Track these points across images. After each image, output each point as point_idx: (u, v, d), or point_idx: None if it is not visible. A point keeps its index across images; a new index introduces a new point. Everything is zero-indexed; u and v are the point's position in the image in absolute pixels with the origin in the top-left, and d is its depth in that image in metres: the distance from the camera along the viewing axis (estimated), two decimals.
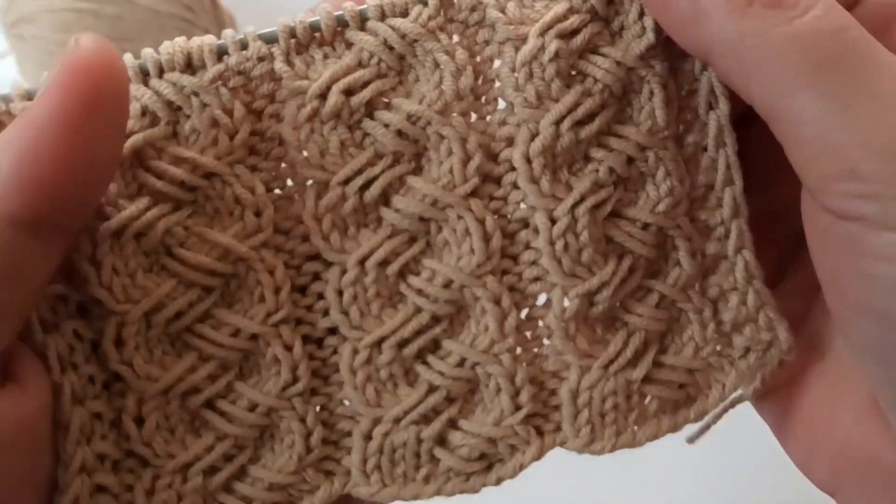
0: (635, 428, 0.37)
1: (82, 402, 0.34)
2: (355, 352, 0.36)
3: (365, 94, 0.34)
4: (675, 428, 0.38)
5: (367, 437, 0.36)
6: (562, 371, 0.37)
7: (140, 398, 0.35)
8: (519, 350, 0.37)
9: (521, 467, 0.36)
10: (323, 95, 0.34)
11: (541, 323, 0.37)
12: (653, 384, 0.37)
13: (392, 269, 0.35)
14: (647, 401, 0.37)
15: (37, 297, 0.32)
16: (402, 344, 0.36)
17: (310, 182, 0.35)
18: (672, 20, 0.33)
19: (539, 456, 0.37)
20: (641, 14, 0.35)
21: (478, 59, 0.35)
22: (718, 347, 0.38)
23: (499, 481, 0.37)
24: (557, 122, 0.34)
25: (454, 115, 0.34)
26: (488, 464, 0.37)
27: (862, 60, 0.30)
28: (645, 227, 0.36)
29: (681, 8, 0.32)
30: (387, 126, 0.34)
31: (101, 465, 0.34)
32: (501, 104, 0.36)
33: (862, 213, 0.30)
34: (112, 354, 0.34)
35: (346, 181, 0.34)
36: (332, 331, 0.36)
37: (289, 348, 0.35)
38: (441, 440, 0.37)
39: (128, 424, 0.34)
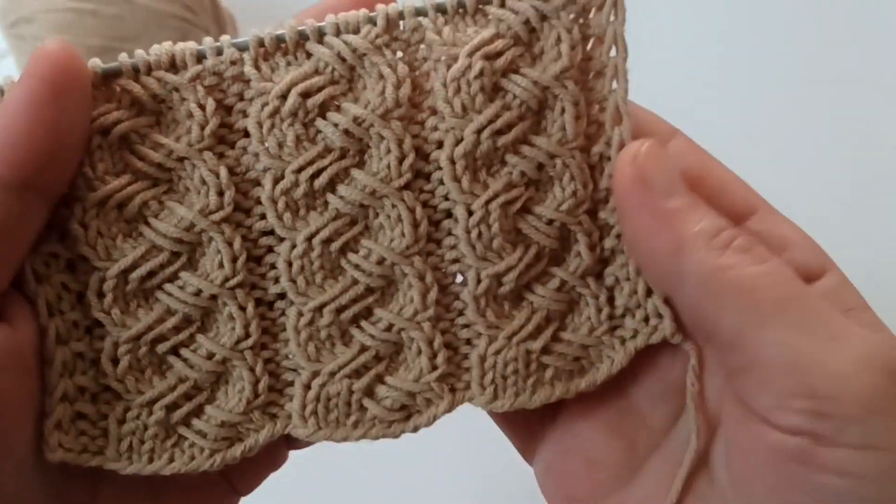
0: (532, 391, 0.43)
1: (66, 342, 0.40)
2: (300, 314, 0.42)
3: (319, 97, 0.40)
4: (567, 393, 0.43)
5: (307, 386, 0.42)
6: (473, 339, 0.43)
7: (116, 342, 0.41)
8: (438, 320, 0.43)
9: (435, 418, 0.43)
10: (284, 96, 0.40)
11: (458, 298, 0.43)
12: (551, 355, 0.43)
13: (335, 246, 0.42)
14: (544, 369, 0.43)
15: (25, 251, 0.38)
16: (340, 310, 0.42)
17: (269, 170, 0.41)
18: (651, 249, 0.38)
19: (450, 409, 0.43)
20: (558, 40, 0.41)
21: (417, 72, 0.41)
22: (611, 328, 0.44)
23: (416, 429, 0.43)
24: (479, 131, 0.41)
25: (393, 119, 0.41)
26: (408, 414, 0.43)
27: (814, 301, 0.35)
28: (550, 222, 0.42)
29: (663, 240, 0.37)
30: (336, 125, 0.40)
31: (81, 395, 0.41)
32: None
33: (816, 430, 0.33)
34: (94, 304, 0.40)
35: (300, 170, 0.40)
36: (282, 296, 0.42)
37: (242, 308, 0.42)
38: (369, 392, 0.43)
39: (105, 363, 0.41)
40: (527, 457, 0.48)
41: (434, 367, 0.43)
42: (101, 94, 0.39)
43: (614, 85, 0.41)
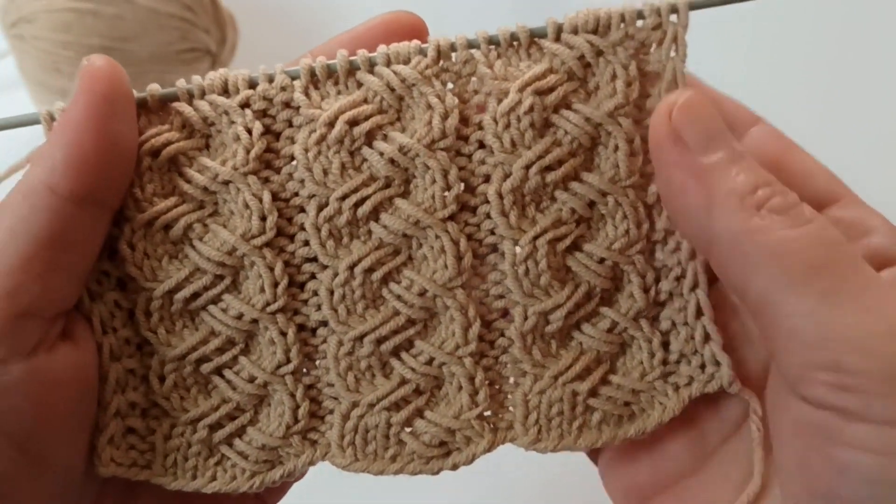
0: (578, 434, 0.42)
1: (119, 359, 0.41)
2: (340, 343, 0.42)
3: (366, 125, 0.40)
4: (614, 440, 0.41)
5: (346, 417, 0.42)
6: (518, 378, 0.42)
7: (162, 360, 0.42)
8: (481, 356, 0.42)
9: (475, 456, 0.42)
10: (331, 123, 0.40)
11: (503, 335, 0.42)
12: (598, 398, 0.42)
13: (377, 275, 0.41)
14: (591, 412, 0.42)
15: (91, 263, 0.40)
16: (381, 340, 0.41)
17: (314, 196, 0.41)
18: (683, 206, 0.36)
19: (490, 448, 0.42)
20: (614, 76, 0.39)
21: (466, 105, 0.41)
22: (664, 374, 0.42)
23: (455, 467, 0.42)
24: (527, 167, 0.40)
25: (439, 150, 0.40)
26: (447, 451, 0.42)
27: (853, 269, 0.33)
28: (601, 261, 0.41)
29: (695, 196, 0.35)
30: (381, 154, 0.40)
31: (132, 411, 0.42)
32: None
33: (842, 405, 0.32)
34: (142, 322, 0.41)
35: (344, 197, 0.40)
36: (324, 323, 0.42)
37: (283, 334, 0.42)
38: (408, 426, 0.42)
39: (152, 380, 0.42)
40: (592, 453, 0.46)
41: (475, 405, 0.42)
42: (155, 116, 0.40)
43: None
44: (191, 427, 0.42)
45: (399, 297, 0.41)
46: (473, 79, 0.40)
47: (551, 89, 0.39)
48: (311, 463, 0.43)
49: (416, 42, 0.40)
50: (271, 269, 0.41)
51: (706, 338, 0.40)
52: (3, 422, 0.36)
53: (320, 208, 0.41)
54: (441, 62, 0.40)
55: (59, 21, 0.78)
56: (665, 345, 0.42)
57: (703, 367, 0.41)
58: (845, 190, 0.39)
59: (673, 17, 0.38)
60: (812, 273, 0.33)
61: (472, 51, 0.40)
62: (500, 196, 0.40)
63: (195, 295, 0.41)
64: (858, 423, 0.32)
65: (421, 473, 0.42)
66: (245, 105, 0.40)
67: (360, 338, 0.41)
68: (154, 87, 0.40)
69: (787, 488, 0.36)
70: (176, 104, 0.40)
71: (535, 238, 0.40)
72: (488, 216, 0.41)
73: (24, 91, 0.86)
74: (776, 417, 0.37)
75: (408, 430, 0.42)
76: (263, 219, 0.41)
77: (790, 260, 0.33)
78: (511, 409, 0.42)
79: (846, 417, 0.32)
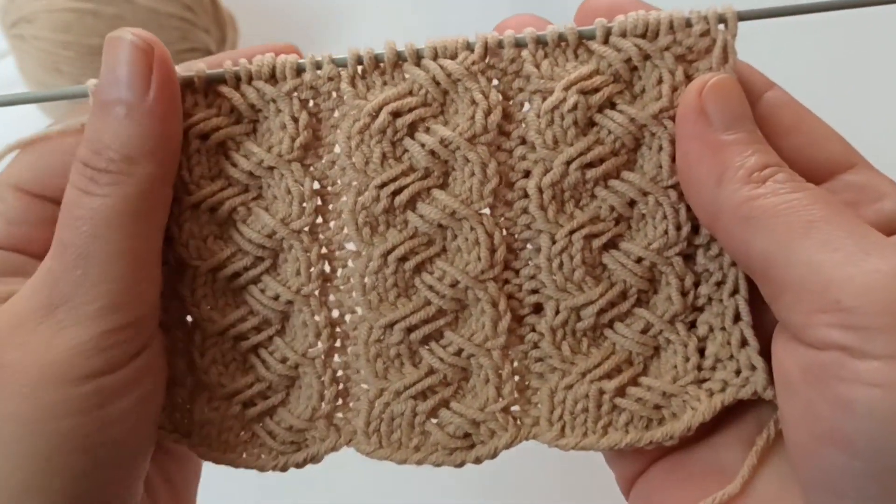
0: (602, 433, 0.41)
1: (168, 330, 0.43)
2: (370, 330, 0.42)
3: (409, 117, 0.41)
4: (639, 442, 0.41)
5: (372, 403, 0.43)
6: (546, 373, 0.42)
7: (204, 335, 0.43)
8: (509, 349, 0.42)
9: (497, 450, 0.42)
10: (375, 113, 0.40)
11: (534, 330, 0.42)
12: (627, 399, 0.41)
13: (410, 264, 0.42)
14: (619, 413, 0.41)
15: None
16: (411, 329, 0.42)
17: (353, 183, 0.41)
18: (696, 176, 0.38)
19: (513, 442, 0.42)
20: (660, 80, 0.40)
21: (510, 102, 0.41)
22: (698, 379, 0.41)
23: (478, 460, 0.42)
24: (568, 162, 0.40)
25: (480, 144, 0.40)
26: (471, 443, 0.42)
27: (852, 221, 0.35)
28: (638, 260, 0.41)
29: (708, 167, 0.37)
30: (423, 146, 0.41)
31: (177, 381, 0.44)
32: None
33: (846, 343, 0.32)
34: (187, 297, 0.42)
35: (382, 185, 0.41)
36: (356, 310, 0.43)
37: (315, 316, 0.42)
38: (433, 416, 0.42)
39: (194, 353, 0.43)
40: (623, 484, 0.45)
41: (500, 397, 0.42)
42: (203, 99, 0.41)
43: None
44: (226, 402, 0.44)
45: (431, 287, 0.42)
46: (519, 77, 0.41)
47: (596, 89, 0.40)
48: (335, 448, 0.43)
49: (462, 37, 0.40)
50: (307, 253, 0.42)
51: (743, 342, 0.40)
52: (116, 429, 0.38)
53: (358, 195, 0.41)
54: (487, 58, 0.41)
55: (59, 21, 0.78)
56: (701, 350, 0.41)
57: (738, 372, 0.40)
58: (859, 157, 0.40)
59: (721, 27, 0.39)
60: (812, 226, 0.34)
61: (520, 49, 0.40)
62: (540, 190, 0.41)
63: (236, 274, 0.42)
64: (862, 359, 0.32)
65: (444, 465, 0.43)
66: (292, 93, 0.41)
67: (391, 325, 0.42)
68: (200, 68, 0.41)
69: (792, 438, 0.36)
70: (224, 89, 0.41)
71: (572, 232, 0.41)
72: (525, 211, 0.41)
73: (25, 91, 0.84)
74: (784, 371, 0.36)
75: (433, 420, 0.43)
76: (304, 204, 0.42)
77: (788, 217, 0.35)
78: (537, 405, 0.42)
79: (850, 354, 0.33)
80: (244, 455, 0.43)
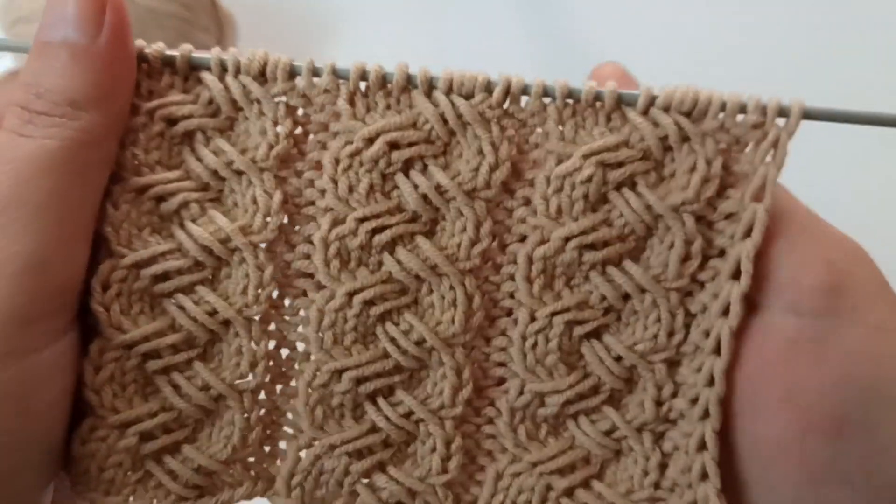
0: None
1: None
2: (317, 372, 0.38)
3: (407, 152, 0.36)
4: None
5: (300, 453, 0.38)
6: (496, 452, 0.39)
7: (104, 346, 0.36)
8: (463, 422, 0.39)
9: None
10: (371, 140, 0.36)
11: (492, 405, 0.39)
12: (573, 501, 0.38)
13: (375, 310, 0.37)
14: None
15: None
16: (361, 380, 0.38)
17: (331, 210, 0.37)
18: None
19: None
20: (693, 169, 0.35)
21: (522, 157, 0.37)
22: (653, 498, 0.38)
23: None
24: (567, 238, 0.36)
25: (479, 199, 0.37)
26: None
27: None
28: (618, 358, 0.37)
29: None
30: (416, 187, 0.36)
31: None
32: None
33: (833, 308, 0.33)
34: (96, 293, 0.36)
35: (363, 220, 0.36)
36: (298, 347, 0.38)
37: (255, 344, 0.37)
38: (366, 478, 0.38)
39: (85, 368, 0.36)
40: None
41: (444, 471, 0.38)
42: (181, 83, 0.36)
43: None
44: (117, 432, 0.37)
45: (393, 340, 0.38)
46: (538, 129, 0.37)
47: (620, 164, 0.36)
48: (249, 496, 0.38)
49: (483, 75, 0.36)
50: (261, 271, 0.37)
51: (703, 475, 0.36)
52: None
53: (335, 224, 0.37)
54: (506, 104, 0.36)
55: None
56: (662, 467, 0.38)
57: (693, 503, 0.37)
58: None
59: (780, 121, 0.34)
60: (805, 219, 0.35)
61: (546, 101, 0.36)
62: (530, 260, 0.37)
63: (165, 276, 0.37)
64: (850, 328, 0.32)
65: None
66: (279, 96, 0.36)
67: (340, 372, 0.38)
68: (186, 48, 0.36)
69: (770, 429, 0.34)
70: (207, 77, 0.36)
71: (554, 314, 0.37)
72: (511, 278, 0.38)
73: None
74: (769, 352, 0.35)
75: (364, 481, 0.39)
76: (268, 218, 0.37)
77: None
78: (480, 483, 0.39)
79: (837, 324, 0.32)
80: (131, 499, 0.37)
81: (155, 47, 0.36)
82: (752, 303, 0.35)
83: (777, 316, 0.34)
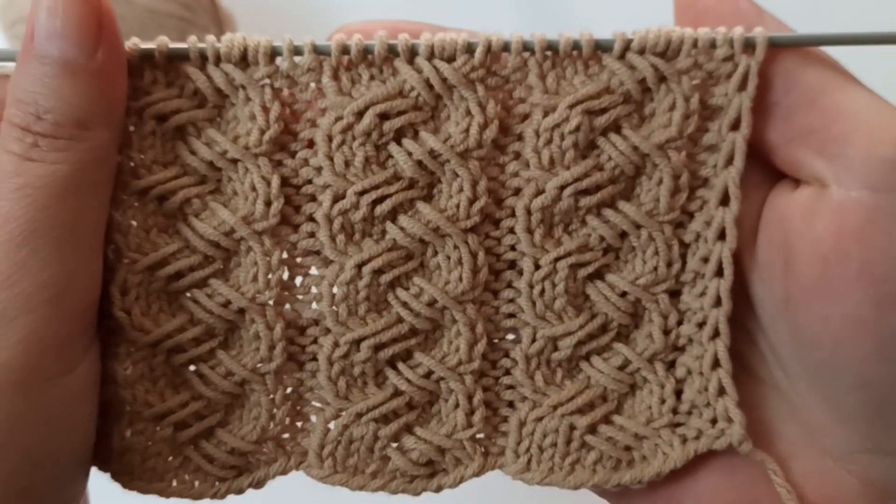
0: (569, 471, 0.39)
1: None
2: (336, 345, 0.39)
3: (397, 121, 0.37)
4: (606, 483, 0.39)
5: (329, 424, 0.39)
6: (516, 402, 0.40)
7: (131, 347, 0.38)
8: (482, 375, 0.40)
9: (462, 480, 0.39)
10: (360, 113, 0.37)
11: (507, 356, 0.40)
12: (597, 437, 0.39)
13: (385, 278, 0.38)
14: (588, 450, 0.40)
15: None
16: (379, 347, 0.39)
17: (329, 187, 0.37)
18: None
19: (479, 472, 0.40)
20: (672, 107, 0.37)
21: (509, 113, 0.38)
22: (673, 423, 0.39)
23: (439, 489, 0.40)
24: (562, 187, 0.37)
25: (472, 159, 0.37)
26: (433, 471, 0.40)
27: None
28: (623, 294, 0.39)
29: None
30: (410, 154, 0.37)
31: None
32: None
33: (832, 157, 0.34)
34: (116, 300, 0.37)
35: (363, 192, 0.37)
36: (316, 322, 0.39)
37: (270, 328, 0.38)
38: (395, 441, 0.40)
39: (115, 368, 0.37)
40: None
41: (469, 425, 0.39)
42: (163, 77, 0.36)
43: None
44: (153, 424, 0.38)
45: (405, 305, 0.39)
46: (521, 86, 0.38)
47: (603, 111, 0.37)
48: (284, 472, 0.40)
49: (463, 36, 0.37)
50: (268, 258, 0.38)
51: (721, 391, 0.38)
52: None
53: (336, 200, 0.38)
54: (489, 63, 0.37)
55: None
56: (678, 393, 0.39)
57: (713, 421, 0.38)
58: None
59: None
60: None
61: (526, 55, 0.37)
62: (529, 212, 0.38)
63: (178, 275, 0.38)
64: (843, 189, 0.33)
65: (402, 493, 0.40)
66: (263, 80, 0.37)
67: (358, 342, 0.39)
68: (163, 41, 0.36)
69: (838, 309, 0.35)
70: (189, 70, 0.36)
71: (557, 259, 0.38)
72: (511, 231, 0.39)
73: None
74: (836, 235, 0.35)
75: (394, 445, 0.40)
76: (269, 204, 0.37)
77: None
78: (504, 434, 0.40)
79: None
80: (174, 483, 0.39)
81: (129, 44, 0.36)
82: (821, 183, 0.35)
83: (853, 192, 0.34)
